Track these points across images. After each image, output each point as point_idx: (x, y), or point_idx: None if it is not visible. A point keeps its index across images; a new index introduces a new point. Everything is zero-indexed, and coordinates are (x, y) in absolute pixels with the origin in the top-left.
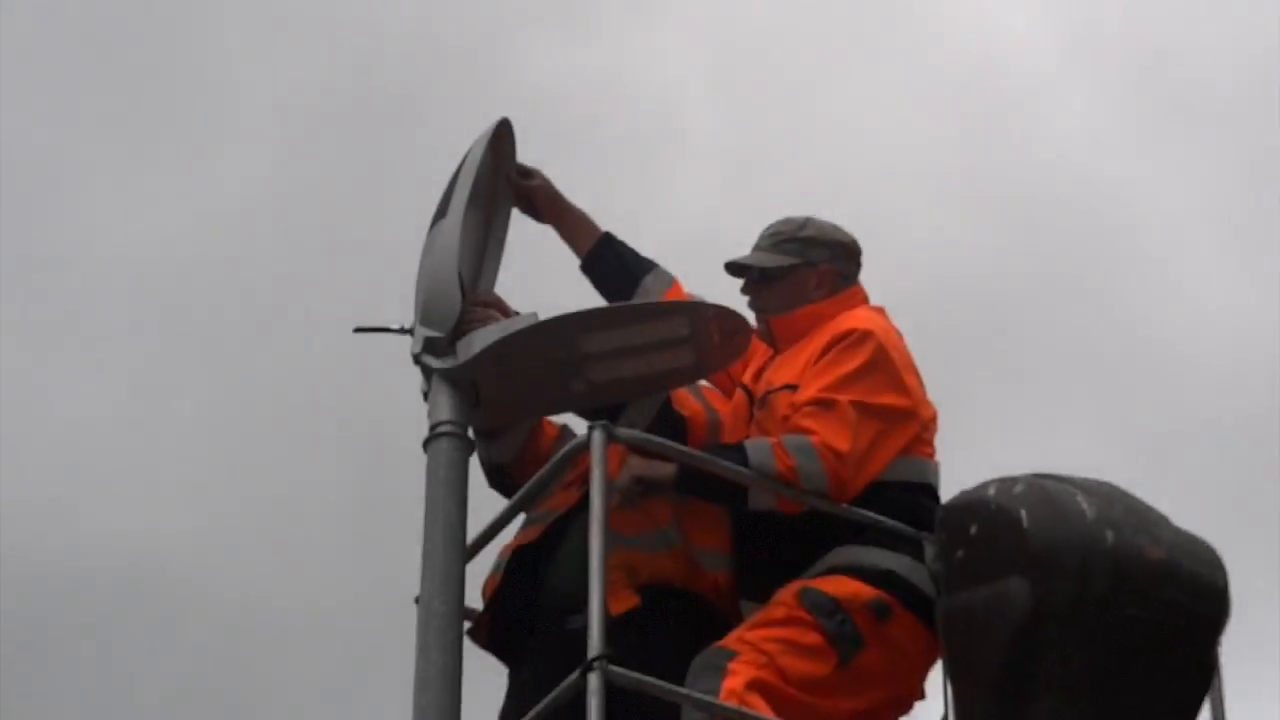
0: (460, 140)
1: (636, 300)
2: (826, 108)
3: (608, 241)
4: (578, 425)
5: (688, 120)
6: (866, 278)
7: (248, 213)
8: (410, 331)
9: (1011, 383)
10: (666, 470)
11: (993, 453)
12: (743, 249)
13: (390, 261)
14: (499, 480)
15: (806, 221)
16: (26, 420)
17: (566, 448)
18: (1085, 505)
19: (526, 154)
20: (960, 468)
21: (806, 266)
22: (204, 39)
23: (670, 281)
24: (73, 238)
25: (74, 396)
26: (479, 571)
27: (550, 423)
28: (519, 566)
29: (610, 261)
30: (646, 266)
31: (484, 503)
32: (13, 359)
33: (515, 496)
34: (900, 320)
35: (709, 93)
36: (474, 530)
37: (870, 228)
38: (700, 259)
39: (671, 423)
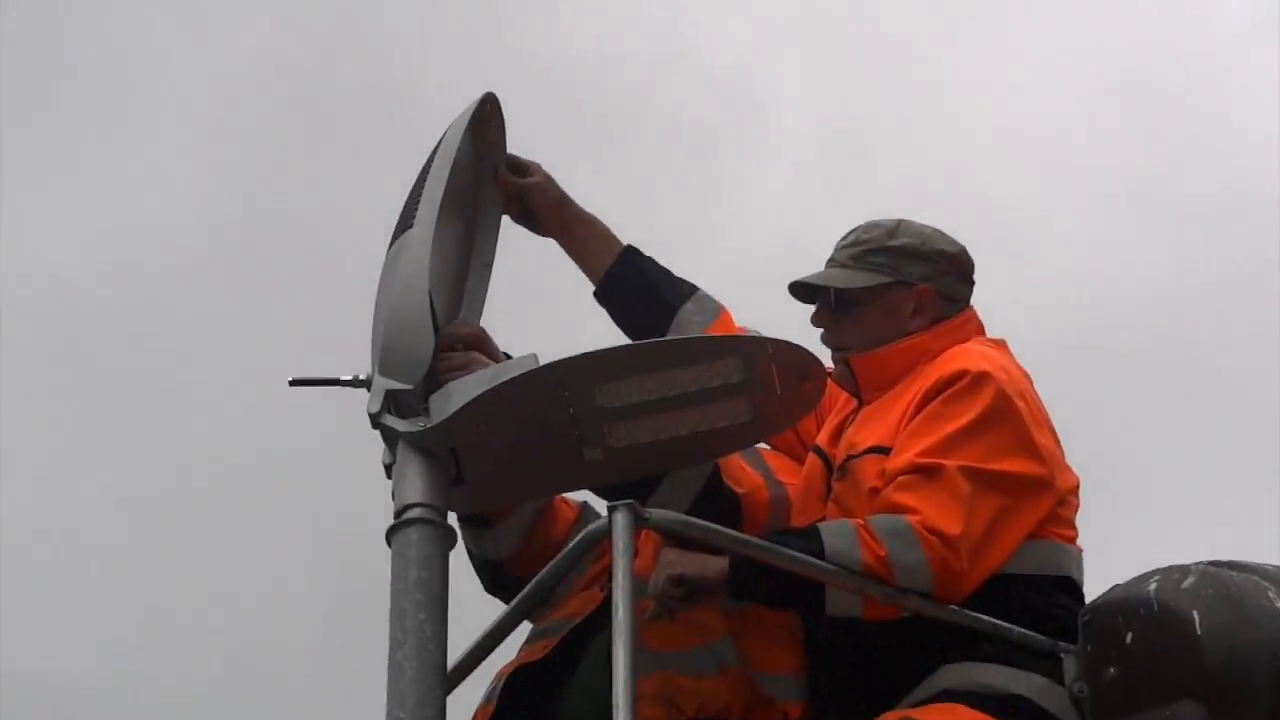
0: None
1: (671, 336)
2: (945, 77)
3: (631, 259)
4: (600, 504)
5: (766, 94)
6: (1002, 303)
7: (172, 228)
8: (366, 384)
9: (1199, 439)
10: (715, 567)
11: (1166, 535)
12: (826, 250)
13: (365, 295)
14: (498, 582)
15: (898, 226)
16: None
17: (579, 536)
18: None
19: (549, 144)
20: (1120, 555)
21: (900, 286)
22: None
23: (717, 311)
24: None
25: None
26: (466, 701)
27: (568, 501)
28: (519, 695)
29: (635, 285)
30: (685, 291)
31: (473, 609)
32: None
33: (512, 602)
34: (1049, 359)
35: (792, 59)
36: (458, 648)
37: (1006, 236)
38: (780, 276)
39: (721, 503)
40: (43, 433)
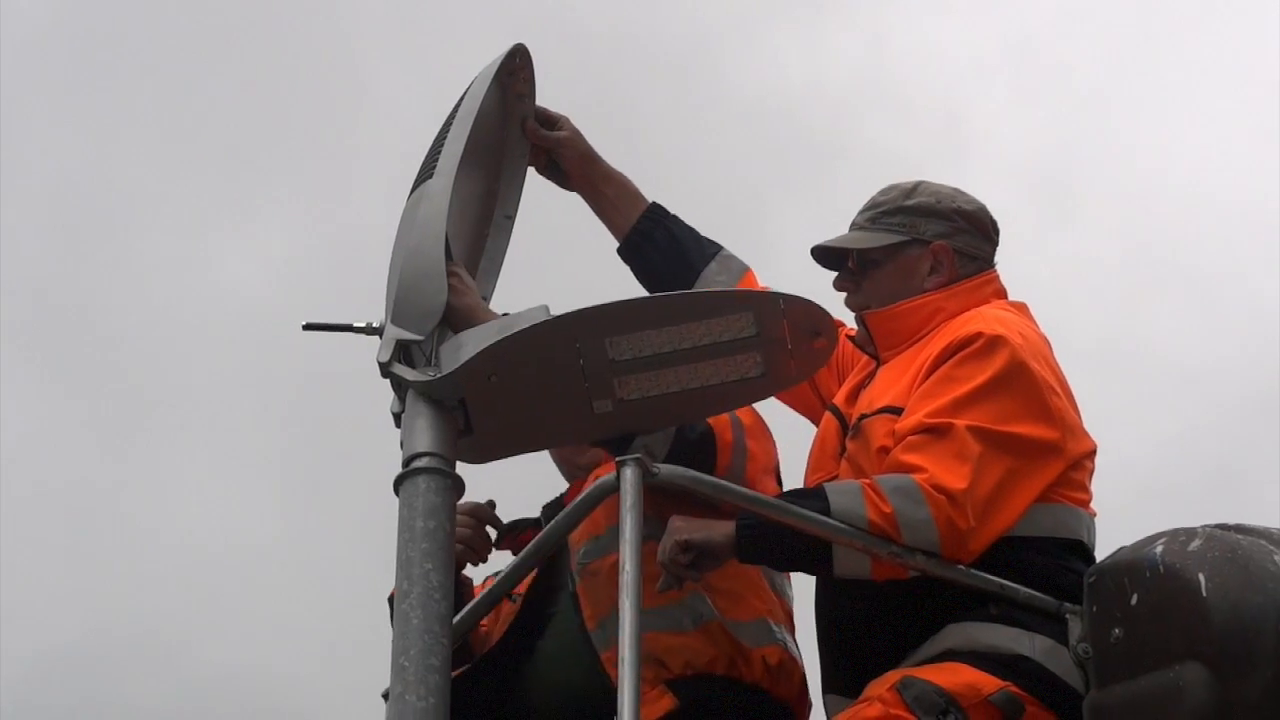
0: (666, 167)
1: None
2: (1147, 116)
3: (657, 216)
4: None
5: (969, 128)
6: (1201, 352)
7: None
8: (379, 332)
9: None
10: (722, 531)
11: None
12: (1027, 287)
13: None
14: None
15: (916, 186)
16: (128, 540)
17: (586, 491)
18: None
19: (754, 178)
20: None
21: (916, 244)
22: (320, 34)
23: (742, 271)
24: (172, 292)
25: (188, 510)
26: None
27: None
28: (481, 682)
29: (660, 243)
30: (710, 250)
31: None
32: (114, 460)
33: (519, 555)
34: (1244, 411)
35: (997, 94)
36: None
37: (1202, 280)
38: None
39: (692, 449)
40: (284, 455)
